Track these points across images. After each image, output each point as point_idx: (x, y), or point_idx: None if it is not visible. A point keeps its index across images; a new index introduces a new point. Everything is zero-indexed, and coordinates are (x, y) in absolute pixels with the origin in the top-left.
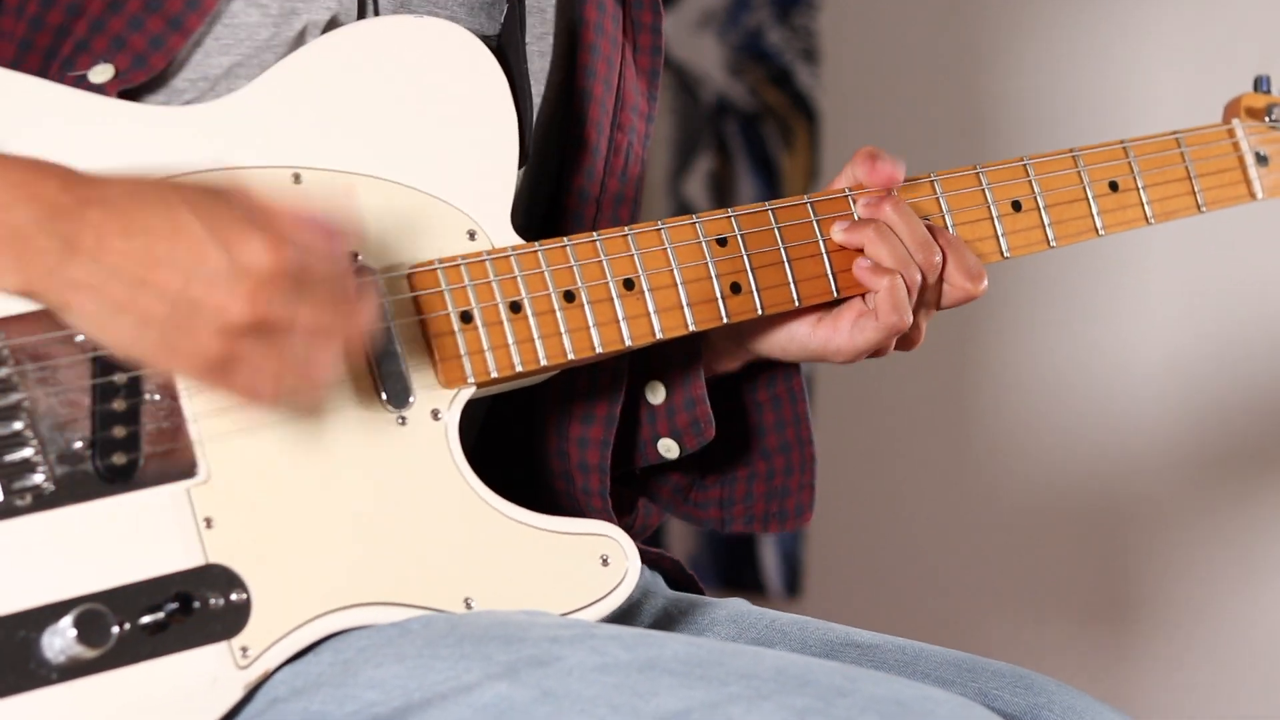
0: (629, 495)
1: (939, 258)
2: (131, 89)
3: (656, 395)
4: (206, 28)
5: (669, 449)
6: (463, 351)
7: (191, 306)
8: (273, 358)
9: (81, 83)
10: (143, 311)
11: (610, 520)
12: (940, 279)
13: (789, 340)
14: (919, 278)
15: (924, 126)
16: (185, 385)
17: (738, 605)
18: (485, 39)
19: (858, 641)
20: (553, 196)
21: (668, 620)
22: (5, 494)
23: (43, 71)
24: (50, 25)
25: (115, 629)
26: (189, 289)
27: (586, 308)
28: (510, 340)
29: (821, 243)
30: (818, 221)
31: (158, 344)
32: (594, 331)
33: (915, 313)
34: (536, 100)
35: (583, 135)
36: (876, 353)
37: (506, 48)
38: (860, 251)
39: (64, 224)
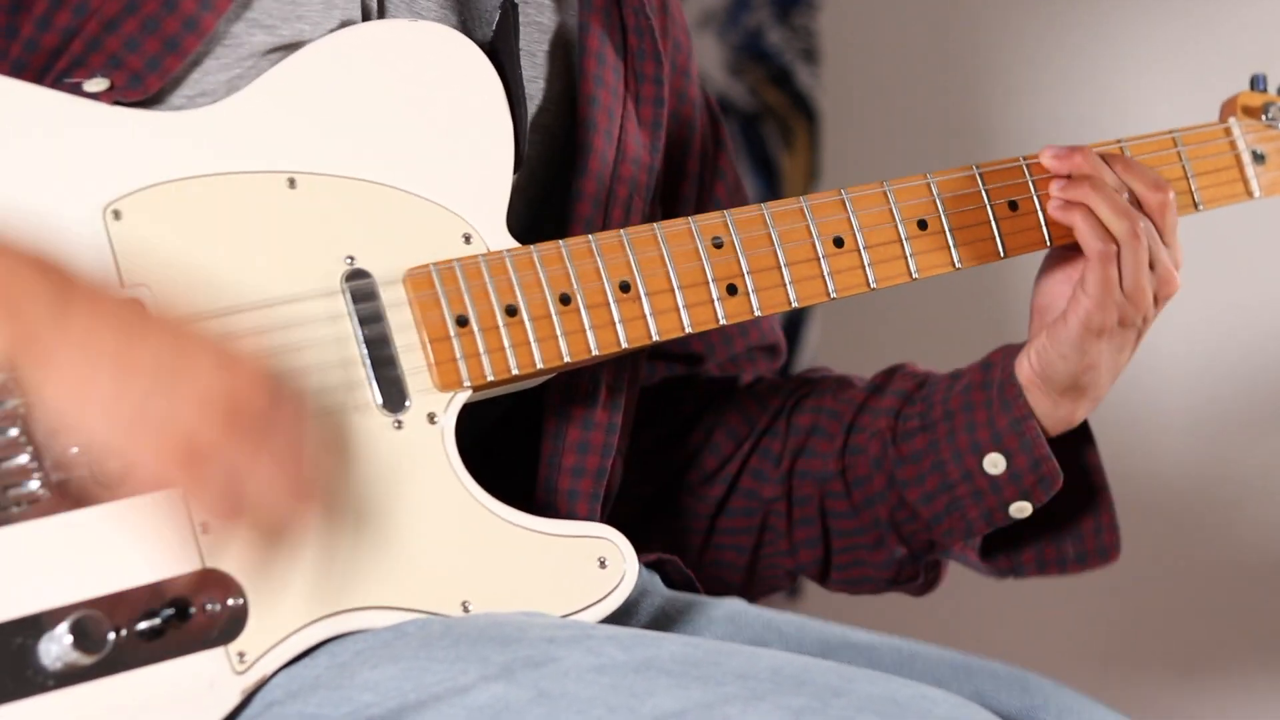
0: (927, 566)
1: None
2: (124, 103)
3: (996, 466)
4: (206, 47)
5: (1021, 510)
6: (458, 355)
7: (174, 380)
8: (249, 456)
9: (77, 91)
10: (123, 378)
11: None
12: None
13: (1060, 343)
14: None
15: (924, 127)
16: None
17: (735, 605)
18: (480, 44)
19: (855, 641)
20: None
21: (665, 619)
22: (0, 501)
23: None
24: (45, 47)
25: (112, 635)
26: (177, 360)
27: (582, 311)
28: (506, 344)
29: (818, 244)
30: (814, 223)
31: (131, 420)
32: (590, 334)
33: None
34: (531, 109)
35: (583, 188)
36: (1128, 294)
37: (500, 52)
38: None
39: (58, 280)
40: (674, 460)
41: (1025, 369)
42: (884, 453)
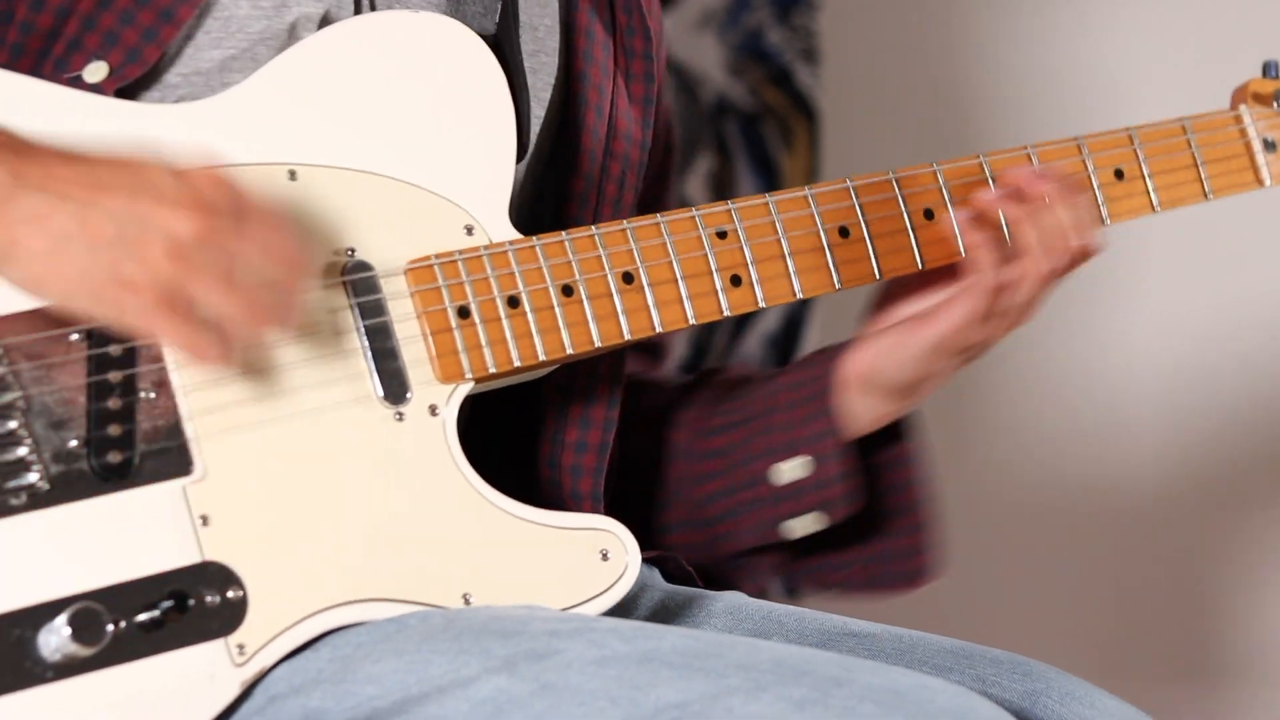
0: (727, 574)
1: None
2: (127, 86)
3: (782, 476)
4: (197, 20)
5: (817, 521)
6: (460, 347)
7: (140, 223)
8: (225, 287)
9: (77, 83)
10: (91, 236)
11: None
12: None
13: (900, 349)
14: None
15: (924, 126)
16: (181, 382)
17: (735, 598)
18: (481, 35)
19: (855, 631)
20: (550, 225)
21: (665, 613)
22: (0, 493)
23: (35, 73)
24: (41, 29)
25: (110, 627)
26: (136, 205)
27: (585, 302)
28: (508, 335)
29: (823, 234)
30: (819, 213)
31: (107, 275)
32: (593, 325)
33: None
34: (534, 100)
35: (576, 163)
36: (988, 324)
37: (502, 43)
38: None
39: (8, 155)
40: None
41: (856, 364)
42: (691, 443)
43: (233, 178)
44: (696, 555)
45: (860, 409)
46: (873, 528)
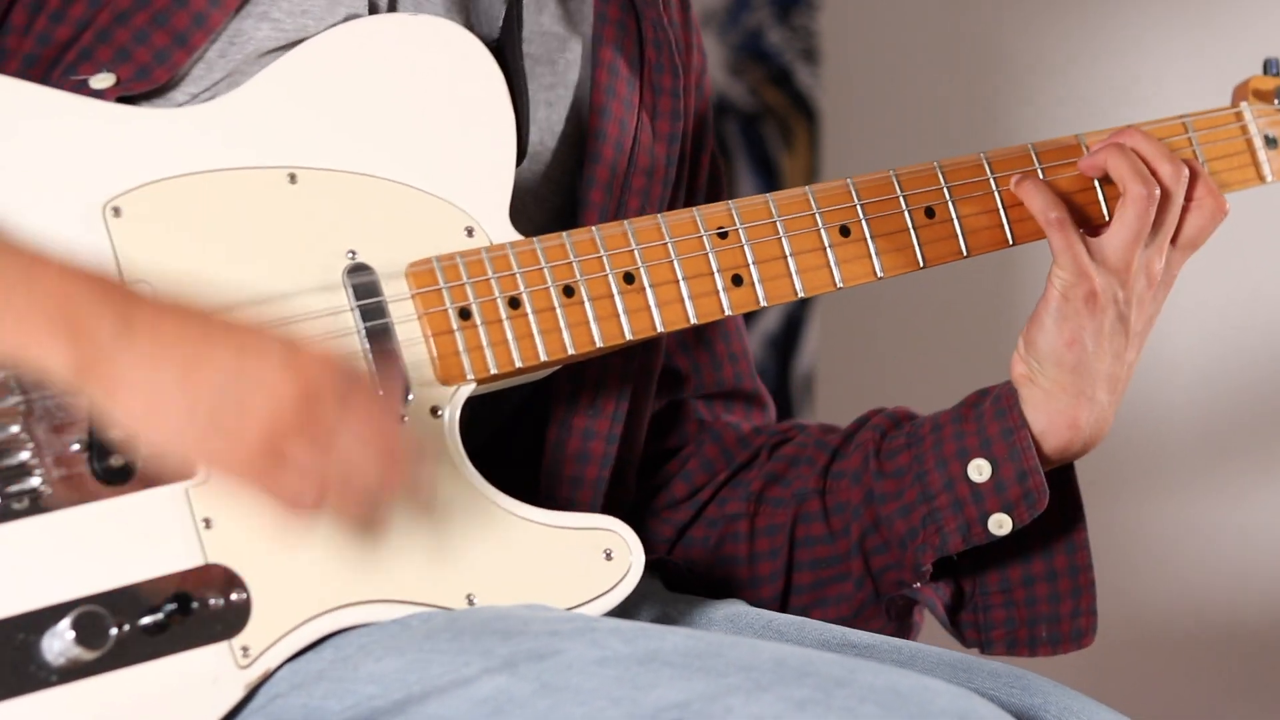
0: (905, 602)
1: (1186, 174)
2: (130, 96)
3: (981, 473)
4: (212, 43)
5: (1000, 524)
6: (461, 348)
7: (243, 379)
8: (320, 456)
9: (82, 88)
10: (193, 391)
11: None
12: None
13: (1038, 316)
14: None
15: (924, 126)
16: None
17: (735, 607)
18: (485, 41)
19: (854, 642)
20: None
21: (666, 621)
22: (2, 498)
23: (45, 80)
24: (58, 40)
25: (114, 630)
26: (242, 362)
27: (586, 302)
28: (509, 336)
29: (824, 233)
30: (820, 212)
31: (205, 430)
32: (594, 326)
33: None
34: (546, 132)
35: (589, 197)
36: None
37: (505, 47)
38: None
39: (119, 300)
40: (645, 486)
41: (1016, 360)
42: (865, 465)
43: (344, 362)
44: (853, 589)
45: (1037, 398)
46: (1022, 592)
